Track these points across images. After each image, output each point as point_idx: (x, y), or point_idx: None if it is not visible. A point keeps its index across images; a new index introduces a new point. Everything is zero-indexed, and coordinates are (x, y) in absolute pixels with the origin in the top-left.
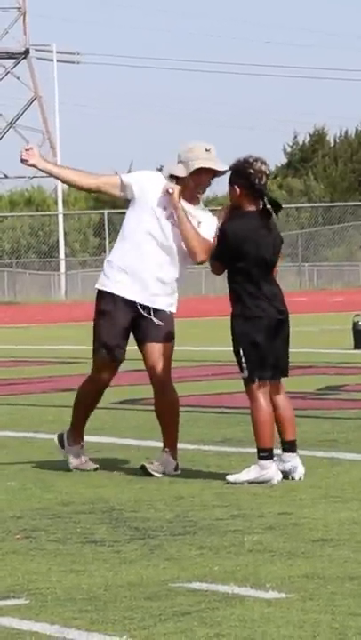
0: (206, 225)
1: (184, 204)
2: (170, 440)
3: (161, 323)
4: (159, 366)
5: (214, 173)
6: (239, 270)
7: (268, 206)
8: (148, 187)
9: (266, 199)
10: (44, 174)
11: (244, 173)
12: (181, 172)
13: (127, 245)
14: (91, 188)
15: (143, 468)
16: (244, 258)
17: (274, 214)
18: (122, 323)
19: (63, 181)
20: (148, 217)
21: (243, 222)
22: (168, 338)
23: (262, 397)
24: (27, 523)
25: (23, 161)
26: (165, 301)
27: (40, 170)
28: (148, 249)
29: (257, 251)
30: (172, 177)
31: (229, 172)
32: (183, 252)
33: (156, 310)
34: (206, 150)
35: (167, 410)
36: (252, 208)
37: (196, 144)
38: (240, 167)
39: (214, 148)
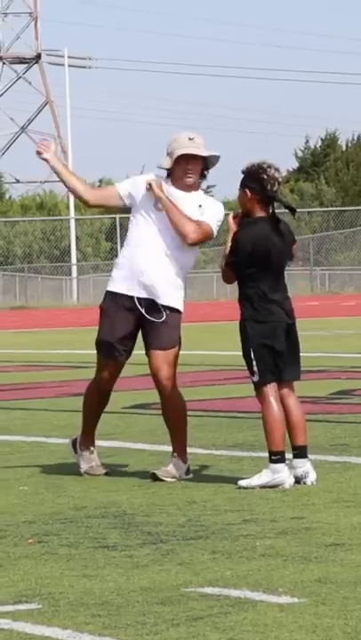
0: (208, 208)
1: (178, 192)
2: (178, 445)
3: (160, 320)
4: (162, 373)
5: (205, 162)
6: (252, 275)
7: (286, 209)
8: (137, 189)
9: (279, 204)
10: (56, 179)
11: (256, 178)
12: (168, 163)
13: (128, 247)
14: (90, 201)
15: (153, 475)
16: (257, 263)
17: (292, 217)
18: (119, 319)
19: (67, 187)
20: (141, 216)
21: (255, 229)
22: (171, 344)
23: (273, 400)
24: (39, 527)
25: (38, 153)
26: (167, 297)
27: (51, 166)
28: (145, 245)
29: (270, 256)
30: (168, 171)
31: (242, 176)
32: (178, 244)
33: (157, 307)
34: (190, 139)
35: (173, 415)
36: (262, 214)
37: (181, 134)
38: (253, 172)
39: (200, 137)
